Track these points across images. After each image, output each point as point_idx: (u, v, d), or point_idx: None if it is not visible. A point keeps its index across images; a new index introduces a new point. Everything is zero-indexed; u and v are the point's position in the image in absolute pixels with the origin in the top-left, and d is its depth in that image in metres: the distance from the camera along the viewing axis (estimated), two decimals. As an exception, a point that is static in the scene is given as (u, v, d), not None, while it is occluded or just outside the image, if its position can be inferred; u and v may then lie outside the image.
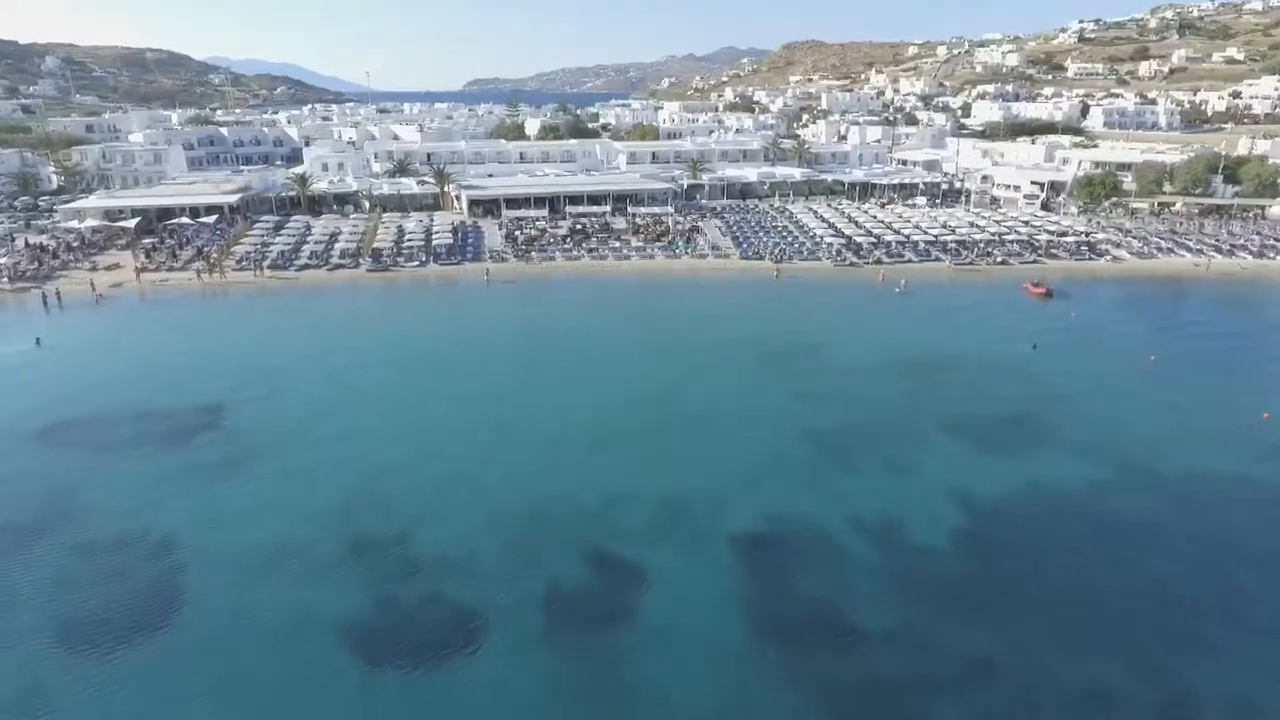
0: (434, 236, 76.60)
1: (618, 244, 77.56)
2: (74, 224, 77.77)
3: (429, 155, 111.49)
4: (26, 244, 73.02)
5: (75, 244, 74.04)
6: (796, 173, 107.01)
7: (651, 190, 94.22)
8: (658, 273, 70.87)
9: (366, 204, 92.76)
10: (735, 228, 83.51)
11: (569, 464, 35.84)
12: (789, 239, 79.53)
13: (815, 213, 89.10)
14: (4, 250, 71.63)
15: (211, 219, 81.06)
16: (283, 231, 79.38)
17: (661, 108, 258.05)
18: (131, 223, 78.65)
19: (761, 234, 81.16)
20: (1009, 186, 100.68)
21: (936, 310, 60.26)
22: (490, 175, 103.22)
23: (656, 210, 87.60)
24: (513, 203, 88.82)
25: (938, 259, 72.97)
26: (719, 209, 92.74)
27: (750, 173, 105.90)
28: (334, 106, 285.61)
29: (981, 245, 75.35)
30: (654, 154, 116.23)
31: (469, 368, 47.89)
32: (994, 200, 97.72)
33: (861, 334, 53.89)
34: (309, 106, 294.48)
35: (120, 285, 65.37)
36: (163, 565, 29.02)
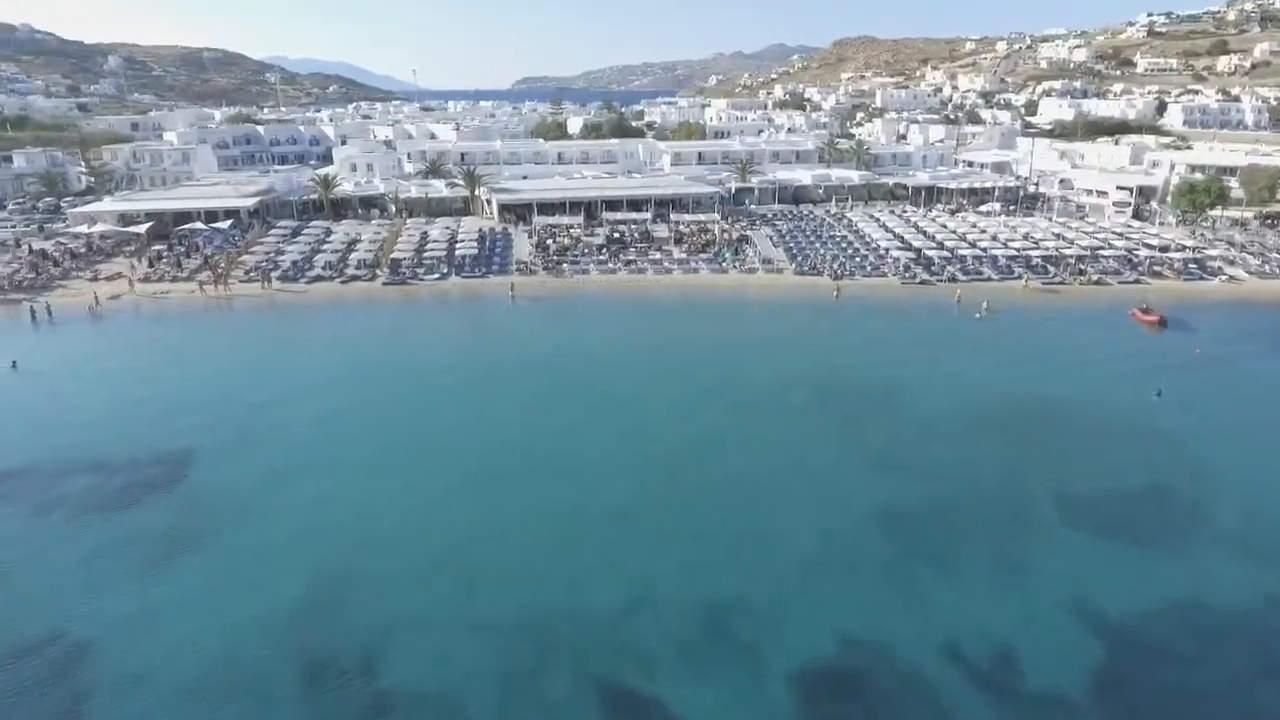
0: (458, 245, 70.33)
1: (658, 255, 70.30)
2: (83, 229, 73.45)
3: (462, 155, 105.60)
4: (30, 250, 68.82)
5: (81, 250, 69.63)
6: (854, 175, 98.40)
7: (696, 194, 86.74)
8: (701, 289, 63.39)
9: (392, 208, 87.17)
10: (788, 237, 75.59)
11: (583, 548, 28.76)
12: (849, 251, 71.31)
13: (877, 220, 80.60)
14: (8, 257, 67.50)
15: (226, 224, 76.09)
16: (299, 238, 73.98)
17: (708, 105, 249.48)
18: (143, 228, 74.08)
19: (818, 245, 73.07)
20: (1092, 192, 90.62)
21: (1028, 341, 51.61)
22: (525, 177, 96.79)
23: (701, 217, 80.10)
24: (546, 208, 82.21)
25: (1020, 277, 64.01)
26: (770, 215, 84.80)
27: (804, 175, 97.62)
28: (378, 105, 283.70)
29: (1072, 261, 66.11)
30: (700, 154, 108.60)
31: (477, 409, 41.02)
32: (1079, 208, 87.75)
33: (941, 371, 45.58)
34: (353, 105, 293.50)
35: (118, 297, 60.40)
36: (65, 688, 22.77)
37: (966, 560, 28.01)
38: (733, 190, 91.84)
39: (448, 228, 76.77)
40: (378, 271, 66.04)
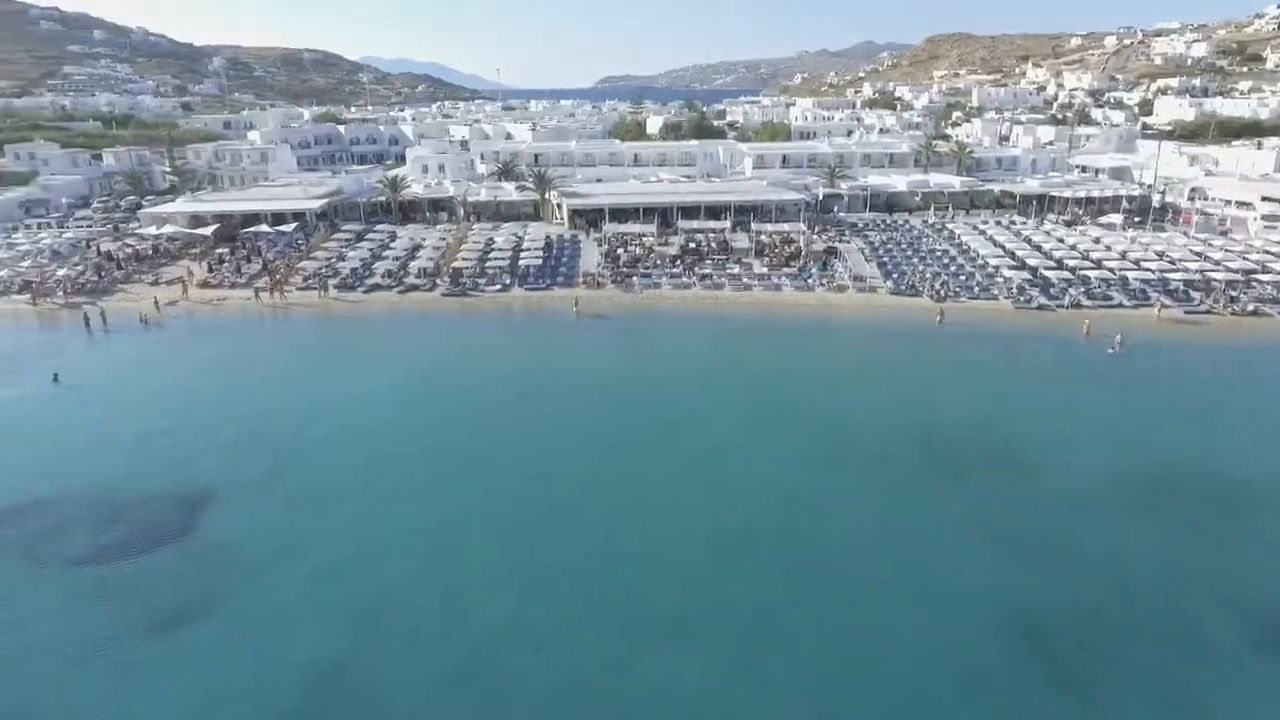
0: (522, 254, 66.11)
1: (736, 269, 64.40)
2: (152, 230, 72.66)
3: (536, 157, 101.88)
4: (97, 252, 68.15)
5: (147, 253, 68.60)
6: (955, 181, 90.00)
7: (780, 201, 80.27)
8: (784, 309, 57.17)
9: (460, 211, 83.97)
10: (882, 251, 68.48)
11: (635, 653, 23.41)
12: (952, 268, 63.76)
13: (983, 233, 72.46)
14: (76, 258, 66.95)
15: (291, 227, 74.11)
16: (362, 242, 71.33)
17: (794, 104, 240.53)
18: (209, 230, 72.82)
19: (916, 260, 65.75)
20: (1233, 203, 79.76)
21: (1179, 386, 43.49)
22: (598, 180, 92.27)
23: (785, 227, 73.71)
24: (618, 213, 77.34)
25: (1154, 303, 55.35)
26: (861, 225, 77.62)
27: (898, 181, 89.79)
28: (460, 104, 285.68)
29: (1222, 286, 56.94)
30: (784, 156, 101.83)
31: (526, 450, 36.03)
32: (1221, 221, 77.20)
33: (1075, 424, 38.17)
34: (436, 104, 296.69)
35: (175, 303, 58.56)
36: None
37: (1119, 691, 21.43)
38: (819, 197, 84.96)
39: (515, 234, 72.78)
40: (438, 281, 62.42)
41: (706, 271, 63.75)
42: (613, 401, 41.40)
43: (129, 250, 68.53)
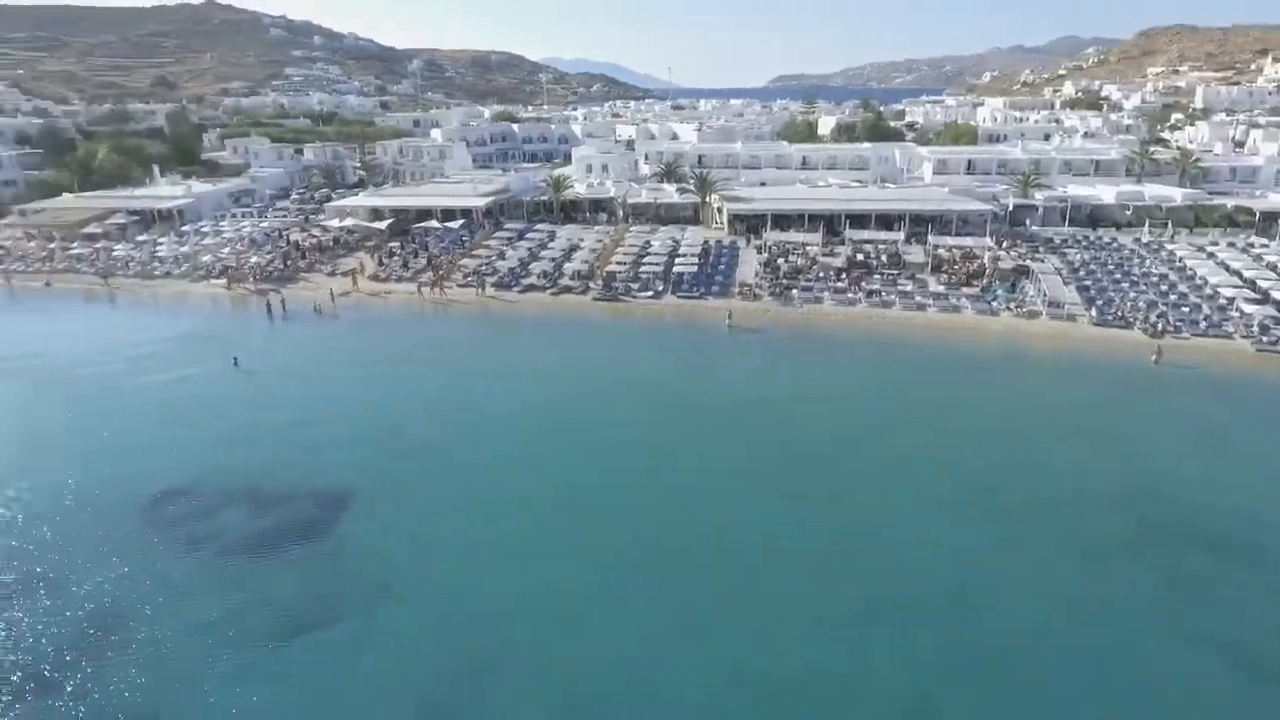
0: (678, 260, 63.82)
1: (909, 286, 58.73)
2: (334, 222, 77.14)
3: (700, 158, 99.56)
4: (287, 241, 73.10)
5: (329, 244, 72.77)
6: (1176, 194, 78.08)
7: (962, 212, 72.98)
8: (963, 336, 51.15)
9: (620, 212, 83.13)
10: (1083, 273, 60.12)
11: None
12: (1173, 297, 54.72)
13: (1212, 256, 61.93)
14: (269, 248, 72.11)
15: (458, 224, 76.14)
16: (522, 241, 71.98)
17: (981, 104, 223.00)
18: (384, 224, 76.30)
19: (1126, 286, 57.07)
20: None
21: None
22: (762, 184, 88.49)
23: (968, 241, 66.65)
24: (781, 220, 73.29)
25: None
26: (1058, 242, 68.86)
27: (1105, 191, 79.16)
28: (631, 103, 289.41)
29: None
30: (970, 162, 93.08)
31: (659, 488, 33.05)
32: None
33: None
34: (608, 103, 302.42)
35: (347, 294, 61.35)
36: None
37: None
38: (1009, 208, 76.52)
39: (672, 239, 70.71)
40: (590, 284, 61.51)
41: (874, 287, 58.60)
42: (758, 428, 37.98)
43: (313, 240, 72.95)
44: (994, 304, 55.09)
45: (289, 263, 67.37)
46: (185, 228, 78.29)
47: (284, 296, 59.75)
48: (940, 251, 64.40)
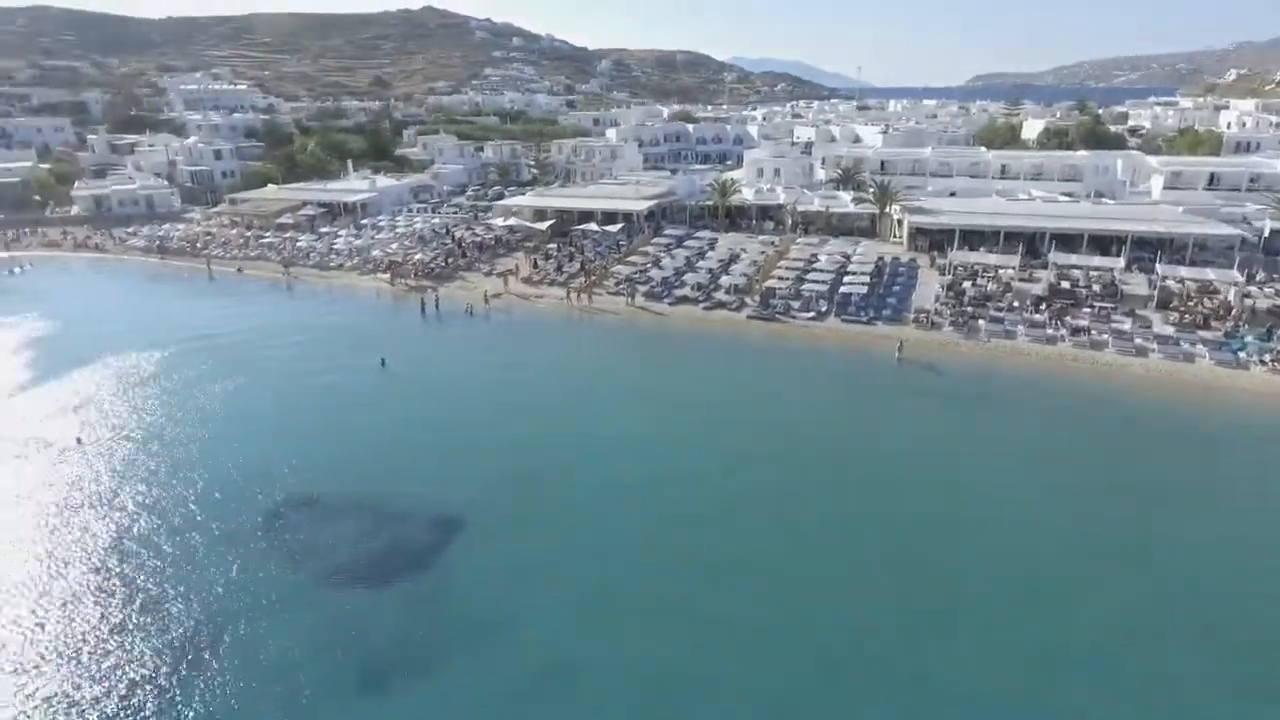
0: (846, 277, 57.73)
1: (1127, 324, 49.23)
2: (498, 221, 77.65)
3: (882, 163, 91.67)
4: (453, 239, 74.29)
5: (490, 243, 73.14)
6: None
7: (1201, 236, 60.94)
8: (1197, 395, 41.54)
9: (789, 221, 77.67)
10: (1370, 321, 47.71)
11: None
12: None
13: None
14: (435, 244, 73.60)
15: (617, 227, 74.07)
16: (680, 248, 68.58)
17: (1226, 106, 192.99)
18: (545, 225, 75.76)
19: None
20: None
21: None
22: (952, 194, 79.49)
23: (1209, 273, 55.19)
24: (971, 237, 64.81)
25: None
26: (1332, 278, 55.63)
27: (1403, 217, 63.45)
28: (814, 104, 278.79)
29: None
30: (1213, 176, 78.56)
31: (804, 569, 28.18)
32: None
33: None
34: (790, 103, 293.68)
35: (500, 296, 60.83)
36: None
37: None
38: (1265, 233, 63.16)
39: (842, 253, 64.51)
40: (747, 300, 57.02)
41: (1082, 323, 49.67)
42: (920, 510, 31.82)
43: (476, 239, 73.62)
44: (1242, 354, 44.68)
45: (450, 260, 68.17)
46: (364, 221, 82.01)
47: (439, 295, 60.16)
48: (1170, 284, 53.79)
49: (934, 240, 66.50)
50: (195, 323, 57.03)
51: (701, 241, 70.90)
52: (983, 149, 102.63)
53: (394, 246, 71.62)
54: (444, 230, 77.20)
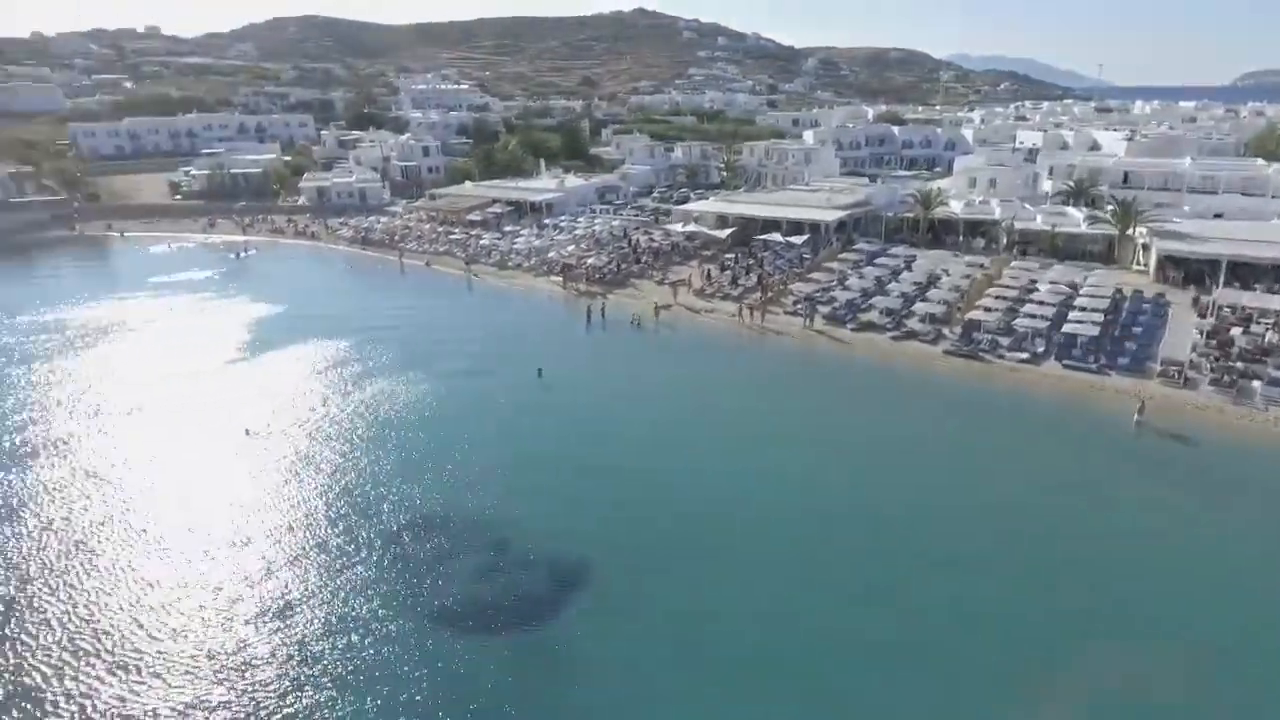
0: (1071, 312, 48.49)
1: None
2: (677, 227, 74.53)
3: (1125, 175, 78.44)
4: (629, 243, 72.12)
5: (666, 249, 70.17)
6: None
7: None
8: None
9: (1004, 240, 68.02)
10: None
11: None
12: None
13: None
14: (610, 248, 71.84)
15: (801, 239, 68.34)
16: (871, 266, 61.78)
17: None
18: (726, 233, 71.60)
19: None
20: None
21: None
22: (1216, 216, 65.87)
23: None
24: (1242, 270, 52.71)
25: None
26: None
27: None
28: (1043, 105, 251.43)
29: None
30: None
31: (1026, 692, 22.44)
32: None
33: None
34: (1015, 104, 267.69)
35: (669, 307, 57.55)
36: None
37: None
38: None
39: (1069, 282, 54.82)
40: (945, 332, 49.61)
41: None
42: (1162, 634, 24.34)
43: (654, 244, 70.96)
44: None
45: (623, 266, 65.92)
46: (547, 221, 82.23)
47: (606, 303, 57.96)
48: None
49: (1191, 273, 54.98)
50: (381, 313, 59.14)
51: (897, 259, 63.51)
52: (1259, 161, 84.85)
53: (570, 249, 70.66)
54: (621, 234, 75.31)
